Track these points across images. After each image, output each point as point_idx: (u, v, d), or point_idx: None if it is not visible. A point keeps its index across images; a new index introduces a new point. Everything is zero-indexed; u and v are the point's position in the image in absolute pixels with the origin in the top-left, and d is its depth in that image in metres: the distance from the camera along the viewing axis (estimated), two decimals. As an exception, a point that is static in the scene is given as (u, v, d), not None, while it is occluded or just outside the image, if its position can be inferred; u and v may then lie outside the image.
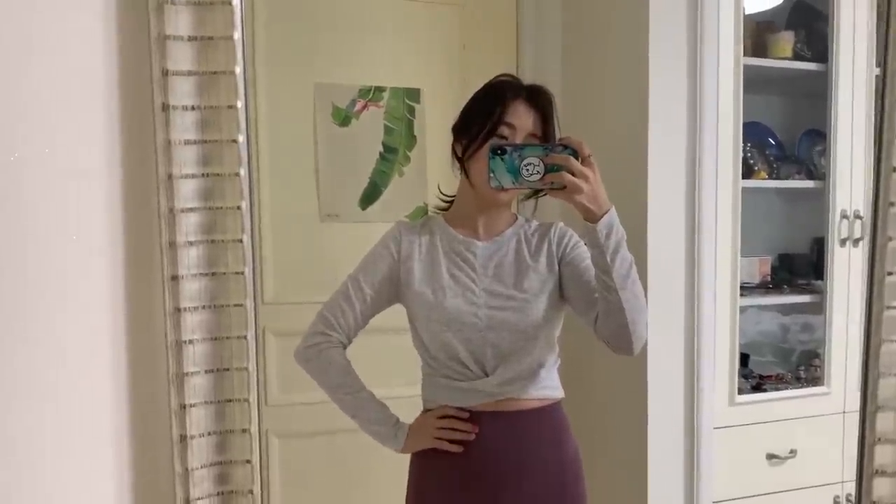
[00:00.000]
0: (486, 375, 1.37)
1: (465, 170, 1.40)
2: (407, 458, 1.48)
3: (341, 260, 2.28)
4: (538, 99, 1.37)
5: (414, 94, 2.35)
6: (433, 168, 2.32)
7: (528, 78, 2.37)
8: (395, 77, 2.32)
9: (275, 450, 2.25)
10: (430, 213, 1.58)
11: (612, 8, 2.10)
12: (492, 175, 1.23)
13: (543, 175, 1.20)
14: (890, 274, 1.05)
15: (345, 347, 1.45)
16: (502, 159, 1.22)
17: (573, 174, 1.17)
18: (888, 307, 1.06)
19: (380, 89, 2.32)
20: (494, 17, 2.39)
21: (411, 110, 2.36)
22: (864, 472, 1.09)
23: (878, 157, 1.04)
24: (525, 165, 1.21)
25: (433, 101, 2.34)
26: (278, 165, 2.22)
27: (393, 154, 2.35)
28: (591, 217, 1.21)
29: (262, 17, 2.18)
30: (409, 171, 2.36)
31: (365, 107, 2.32)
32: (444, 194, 1.53)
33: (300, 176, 2.26)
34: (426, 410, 1.46)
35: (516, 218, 1.49)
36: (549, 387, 1.42)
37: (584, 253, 1.41)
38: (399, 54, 2.32)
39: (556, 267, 1.41)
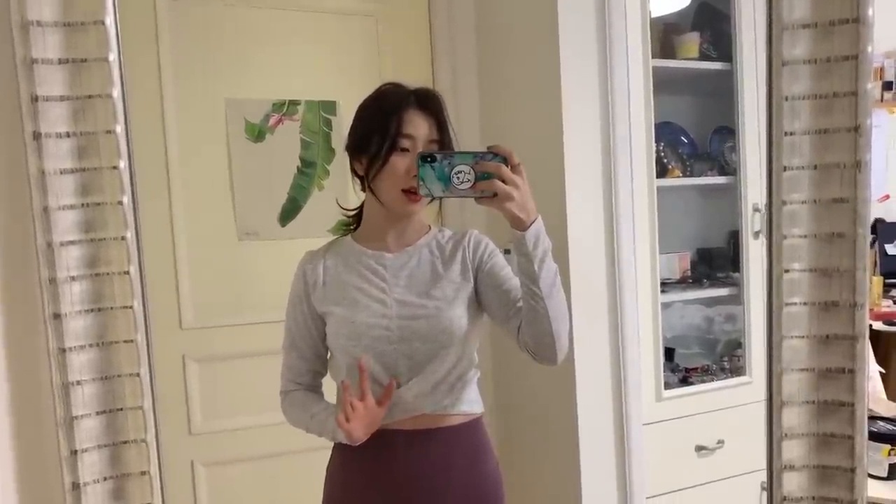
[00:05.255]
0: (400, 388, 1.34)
1: (370, 187, 1.37)
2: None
3: (262, 280, 2.25)
4: (429, 104, 1.36)
5: (330, 106, 2.31)
6: (354, 181, 2.29)
7: (445, 85, 2.40)
8: (310, 90, 2.28)
9: (202, 479, 2.18)
10: (337, 228, 1.55)
11: (522, 15, 2.12)
12: (421, 183, 1.20)
13: (474, 183, 1.19)
14: (787, 271, 1.08)
15: (310, 388, 1.44)
16: (432, 167, 1.20)
17: (504, 182, 1.17)
18: (787, 304, 1.08)
19: (294, 103, 2.27)
20: (408, 26, 2.38)
21: (328, 123, 2.32)
22: (774, 466, 1.11)
23: (770, 157, 1.07)
24: (455, 173, 1.19)
25: (350, 112, 2.26)
26: (192, 185, 2.15)
27: (311, 168, 2.31)
28: (520, 225, 1.20)
29: (167, 31, 2.11)
30: (328, 185, 2.32)
31: (280, 121, 2.27)
32: (345, 209, 1.50)
33: (215, 195, 2.19)
34: None
35: (429, 228, 1.46)
36: (467, 401, 1.39)
37: (502, 261, 1.40)
38: (313, 67, 2.28)
39: (472, 275, 1.39)
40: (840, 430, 1.08)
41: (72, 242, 1.10)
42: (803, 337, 1.09)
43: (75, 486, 1.09)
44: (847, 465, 1.06)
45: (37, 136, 1.07)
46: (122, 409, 1.14)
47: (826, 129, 1.04)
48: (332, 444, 1.42)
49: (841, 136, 1.03)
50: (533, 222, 1.20)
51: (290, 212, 2.28)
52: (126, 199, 1.10)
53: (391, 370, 1.33)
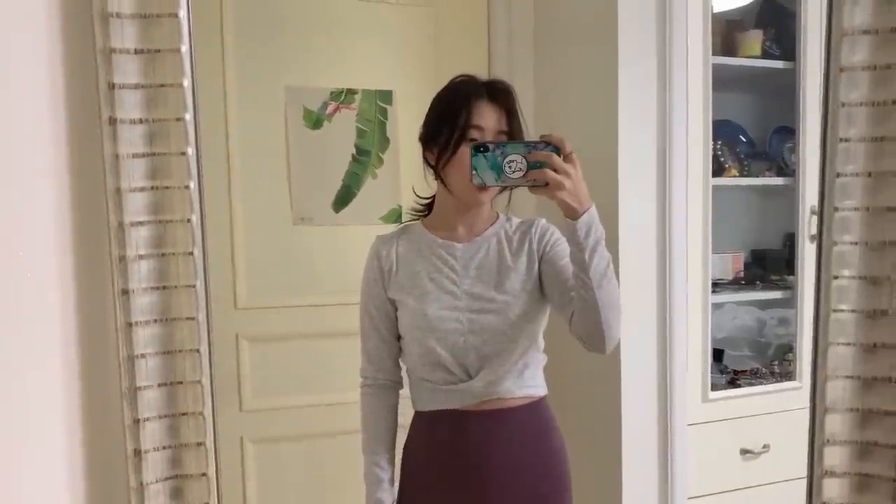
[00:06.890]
0: (470, 378, 1.39)
1: (440, 177, 1.41)
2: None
3: (315, 264, 2.31)
4: (500, 95, 1.38)
5: (386, 95, 2.34)
6: (406, 170, 2.32)
7: (500, 77, 2.40)
8: (367, 79, 2.32)
9: (251, 456, 2.24)
10: (405, 214, 1.59)
11: (582, 7, 2.11)
12: (474, 173, 1.23)
13: (526, 172, 1.21)
14: (836, 278, 1.06)
15: (385, 385, 1.50)
16: (485, 157, 1.22)
17: (556, 171, 1.18)
18: (834, 310, 1.07)
19: (351, 91, 2.31)
20: (466, 17, 2.39)
21: (383, 112, 2.35)
22: (815, 473, 1.10)
23: (823, 163, 1.06)
24: (508, 162, 1.21)
25: (405, 102, 2.34)
26: (250, 169, 2.21)
27: (366, 156, 2.35)
28: (572, 214, 1.21)
29: (231, 20, 2.17)
30: (382, 174, 2.35)
31: (337, 109, 2.31)
32: (419, 196, 1.53)
33: (272, 179, 2.25)
34: (417, 413, 1.48)
35: (497, 216, 1.49)
36: (532, 385, 1.44)
37: (563, 251, 1.41)
38: (370, 56, 2.31)
39: (537, 265, 1.42)
40: (884, 439, 1.06)
41: (140, 223, 1.17)
42: (849, 344, 1.08)
43: (137, 454, 1.17)
44: (889, 475, 1.05)
45: (112, 121, 1.13)
46: (181, 383, 1.20)
47: (883, 137, 1.02)
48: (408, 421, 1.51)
49: (898, 144, 1.02)
50: (585, 211, 1.21)
51: (343, 199, 2.32)
52: (192, 185, 1.16)
53: (460, 359, 1.38)
